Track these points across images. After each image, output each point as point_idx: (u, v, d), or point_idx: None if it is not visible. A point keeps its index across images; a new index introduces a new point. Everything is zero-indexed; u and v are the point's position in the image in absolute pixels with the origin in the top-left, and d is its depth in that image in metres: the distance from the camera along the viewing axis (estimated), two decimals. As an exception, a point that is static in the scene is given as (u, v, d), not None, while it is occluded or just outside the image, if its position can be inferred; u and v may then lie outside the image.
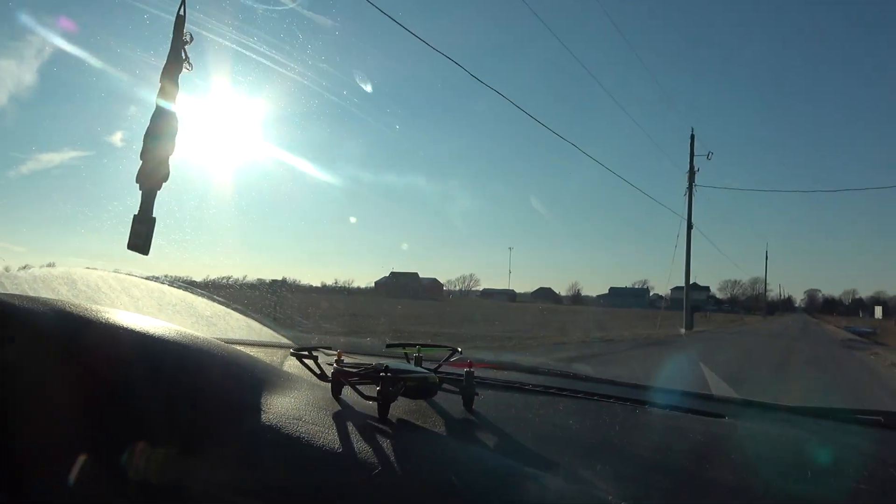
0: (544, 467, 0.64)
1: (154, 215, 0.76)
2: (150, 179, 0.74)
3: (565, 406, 0.95)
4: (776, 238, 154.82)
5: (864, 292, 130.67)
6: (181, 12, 0.78)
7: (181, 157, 0.77)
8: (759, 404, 1.09)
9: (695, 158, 22.20)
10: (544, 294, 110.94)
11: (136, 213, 0.74)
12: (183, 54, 0.78)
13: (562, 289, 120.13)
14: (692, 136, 22.33)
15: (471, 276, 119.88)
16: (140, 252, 0.74)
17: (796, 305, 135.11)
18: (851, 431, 0.96)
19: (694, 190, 21.40)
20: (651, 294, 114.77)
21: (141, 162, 0.74)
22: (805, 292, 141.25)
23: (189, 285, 1.31)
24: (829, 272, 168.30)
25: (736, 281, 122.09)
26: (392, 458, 0.58)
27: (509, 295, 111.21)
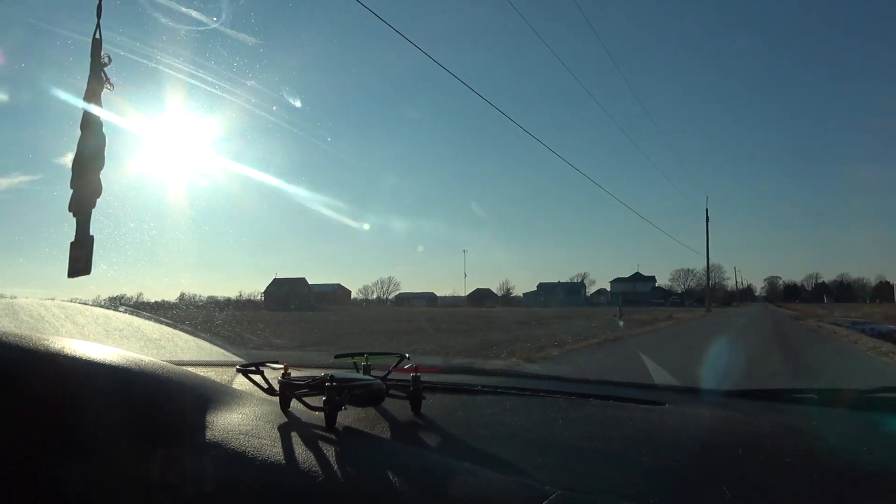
0: (486, 463, 0.75)
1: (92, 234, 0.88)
2: (83, 205, 0.86)
3: (511, 404, 1.11)
4: (734, 226, 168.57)
5: (827, 276, 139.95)
6: (97, 35, 0.91)
7: (108, 179, 0.90)
8: (698, 390, 1.30)
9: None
10: (482, 295, 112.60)
11: (73, 240, 0.86)
12: (103, 76, 0.90)
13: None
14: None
15: (389, 279, 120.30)
16: (83, 274, 0.86)
17: (756, 294, 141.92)
18: (785, 410, 1.15)
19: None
20: (586, 288, 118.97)
21: (72, 190, 0.85)
22: (765, 280, 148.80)
23: (136, 308, 1.47)
24: (788, 259, 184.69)
25: (689, 270, 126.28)
26: (335, 466, 0.69)
27: (428, 299, 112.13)
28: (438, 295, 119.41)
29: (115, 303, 1.76)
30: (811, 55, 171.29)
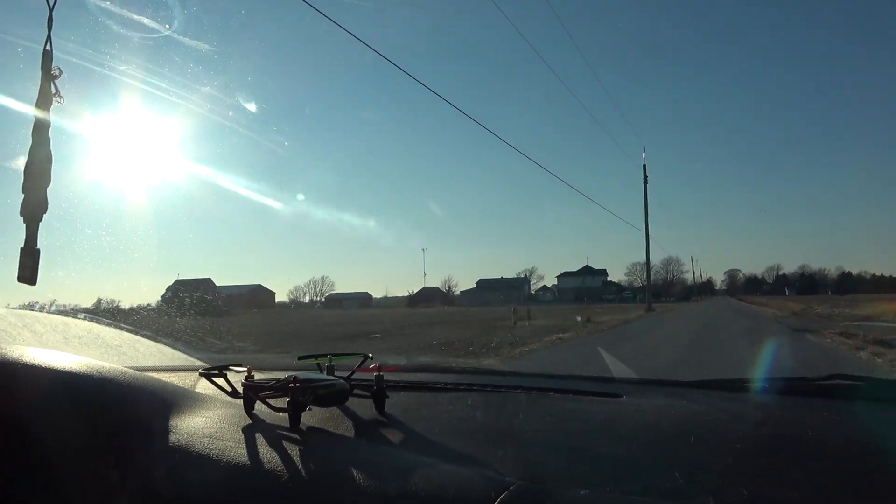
0: (448, 458, 0.82)
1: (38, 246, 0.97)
2: (33, 211, 0.97)
3: (473, 400, 1.22)
4: (695, 219, 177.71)
5: (787, 268, 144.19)
6: (48, 47, 0.97)
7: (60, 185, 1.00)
8: (655, 382, 1.43)
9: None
10: (429, 294, 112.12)
11: (23, 245, 0.96)
12: (53, 88, 1.00)
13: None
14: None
15: (322, 279, 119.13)
16: (28, 283, 0.96)
17: (717, 288, 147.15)
18: (737, 399, 1.27)
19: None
20: (530, 284, 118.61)
21: (23, 195, 0.96)
22: (725, 273, 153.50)
23: (93, 314, 1.56)
24: (748, 251, 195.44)
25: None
26: (299, 465, 0.76)
27: (362, 300, 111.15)
28: (375, 296, 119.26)
29: (27, 309, 1.80)
30: (772, 42, 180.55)
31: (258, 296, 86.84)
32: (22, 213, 0.97)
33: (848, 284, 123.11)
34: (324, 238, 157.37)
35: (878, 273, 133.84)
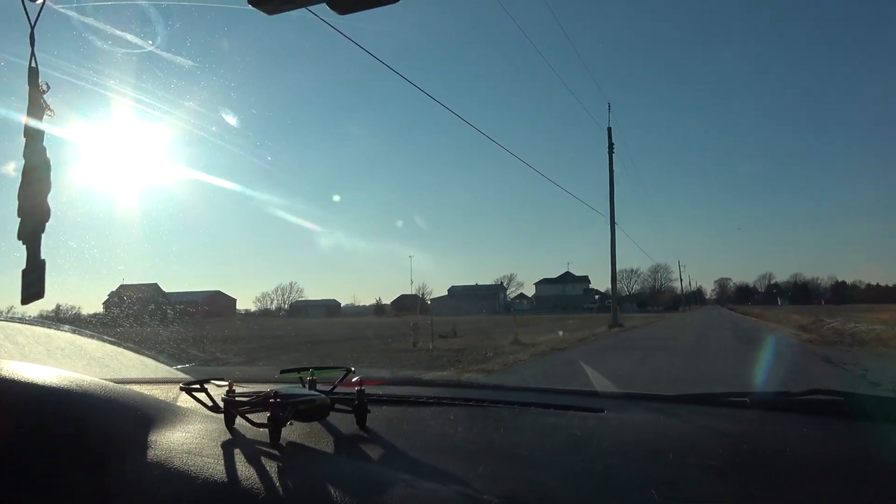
0: (428, 474, 0.85)
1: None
2: (33, 232, 1.00)
3: (455, 415, 1.26)
4: (684, 227, 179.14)
5: (780, 277, 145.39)
6: (33, 64, 1.00)
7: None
8: (638, 396, 1.46)
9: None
10: (408, 302, 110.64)
11: (24, 267, 0.99)
12: (42, 103, 1.03)
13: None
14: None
15: (290, 285, 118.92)
16: (37, 299, 0.99)
17: (707, 297, 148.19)
18: (718, 414, 1.32)
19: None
20: (506, 291, 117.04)
21: (19, 218, 0.99)
22: (715, 282, 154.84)
23: (77, 327, 1.59)
24: (739, 259, 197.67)
25: (633, 270, 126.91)
26: (277, 482, 0.79)
27: (329, 307, 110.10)
28: (343, 303, 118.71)
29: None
30: (765, 50, 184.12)
31: (216, 303, 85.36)
32: (20, 237, 1.00)
33: (843, 294, 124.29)
34: (299, 244, 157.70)
35: (872, 282, 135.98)
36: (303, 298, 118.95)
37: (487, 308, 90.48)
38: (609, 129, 34.53)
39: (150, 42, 5.66)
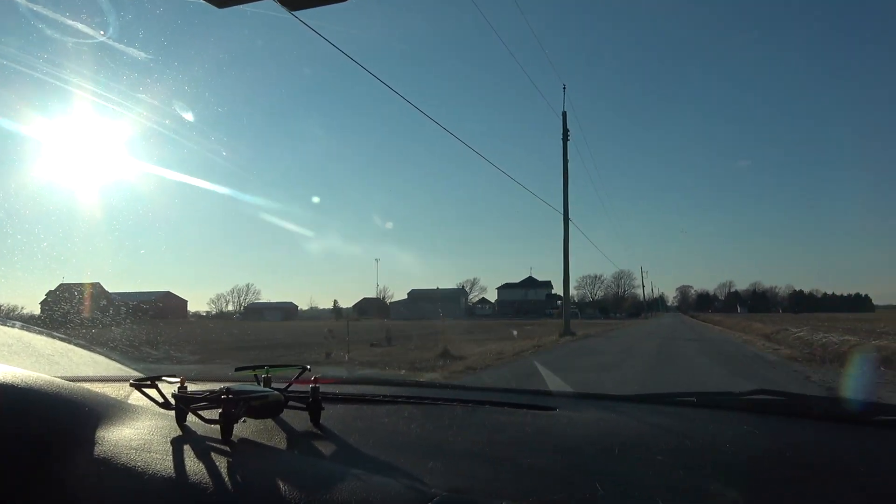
0: (379, 469, 0.88)
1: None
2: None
3: (410, 413, 1.28)
4: (647, 234, 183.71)
5: (739, 285, 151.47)
6: None
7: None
8: (590, 396, 1.52)
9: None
10: (370, 305, 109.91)
11: None
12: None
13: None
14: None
15: (246, 287, 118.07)
16: None
17: (669, 304, 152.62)
18: (666, 412, 1.37)
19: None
20: (468, 295, 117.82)
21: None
22: (677, 289, 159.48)
23: (26, 323, 1.54)
24: (700, 267, 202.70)
25: (597, 276, 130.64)
26: (226, 477, 0.81)
27: (286, 310, 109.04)
28: (301, 307, 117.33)
29: None
30: (730, 59, 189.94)
31: (166, 304, 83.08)
32: None
33: (801, 303, 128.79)
34: (257, 245, 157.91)
35: (829, 292, 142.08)
36: (259, 301, 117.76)
37: (449, 312, 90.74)
38: (564, 114, 30.65)
39: (102, 32, 5.48)
